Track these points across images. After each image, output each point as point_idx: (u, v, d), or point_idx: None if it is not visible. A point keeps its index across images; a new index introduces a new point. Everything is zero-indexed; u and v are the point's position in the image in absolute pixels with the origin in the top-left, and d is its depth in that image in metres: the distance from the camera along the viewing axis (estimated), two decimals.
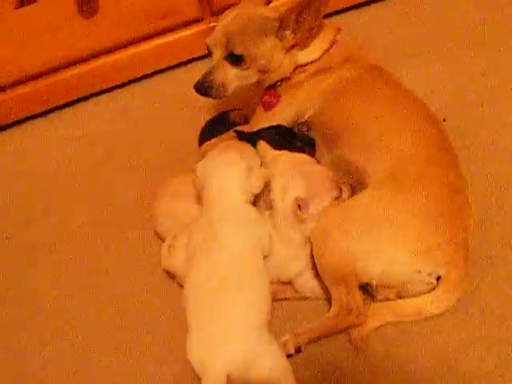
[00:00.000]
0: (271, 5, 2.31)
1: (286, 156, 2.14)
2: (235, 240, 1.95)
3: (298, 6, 2.09)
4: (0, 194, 2.77)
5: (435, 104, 2.22)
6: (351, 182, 2.05)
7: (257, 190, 2.04)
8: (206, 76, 2.22)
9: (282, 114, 2.27)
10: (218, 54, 2.21)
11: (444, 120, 2.34)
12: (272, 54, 2.19)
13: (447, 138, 2.04)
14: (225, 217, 1.99)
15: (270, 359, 1.79)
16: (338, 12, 2.99)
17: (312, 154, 2.20)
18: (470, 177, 2.04)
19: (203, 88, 2.23)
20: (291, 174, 2.03)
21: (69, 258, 2.40)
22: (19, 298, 2.33)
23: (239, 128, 2.34)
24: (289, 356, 1.88)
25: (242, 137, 2.25)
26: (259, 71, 2.23)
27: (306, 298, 2.06)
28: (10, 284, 2.39)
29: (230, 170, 2.05)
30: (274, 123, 2.25)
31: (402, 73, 2.32)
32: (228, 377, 1.72)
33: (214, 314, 1.84)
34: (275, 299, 2.02)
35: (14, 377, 2.11)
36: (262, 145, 2.20)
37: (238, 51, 2.17)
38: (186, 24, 2.88)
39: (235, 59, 2.19)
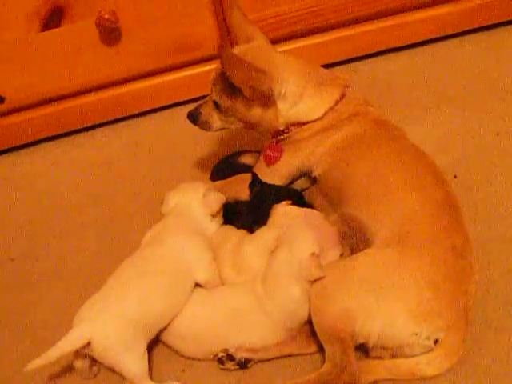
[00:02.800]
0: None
1: (297, 210, 2.15)
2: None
3: (217, 71, 2.20)
4: (9, 215, 2.78)
5: (446, 159, 2.23)
6: (355, 240, 2.04)
7: (212, 209, 2.23)
8: (197, 108, 2.34)
9: (283, 170, 2.27)
10: (212, 92, 2.26)
11: (455, 177, 2.34)
12: (244, 109, 2.20)
13: (454, 197, 2.03)
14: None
15: (124, 358, 1.92)
16: (355, 59, 3.01)
17: None
18: (475, 237, 2.02)
19: (192, 117, 2.36)
20: (301, 225, 2.04)
21: (73, 285, 2.39)
22: (15, 321, 2.33)
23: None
24: None
25: (255, 184, 2.27)
26: (241, 121, 2.25)
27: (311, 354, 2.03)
28: (10, 306, 2.38)
29: (189, 192, 2.28)
30: (276, 178, 2.26)
31: (413, 125, 2.31)
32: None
33: (117, 290, 2.01)
34: (282, 354, 2.02)
35: None
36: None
37: (215, 98, 2.23)
38: (206, 59, 2.89)
39: (216, 105, 2.25)
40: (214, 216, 2.25)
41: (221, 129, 2.35)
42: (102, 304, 1.96)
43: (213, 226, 2.26)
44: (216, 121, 2.31)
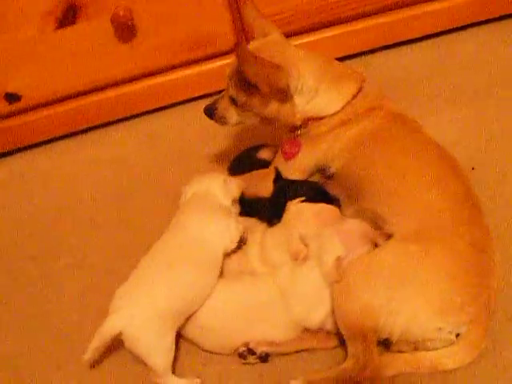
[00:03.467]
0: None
1: (311, 211, 2.14)
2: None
3: (233, 69, 2.19)
4: (27, 213, 2.79)
5: (463, 151, 2.21)
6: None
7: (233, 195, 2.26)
8: (214, 103, 2.34)
9: (301, 165, 2.26)
10: (227, 87, 2.26)
11: (473, 169, 2.33)
12: (262, 105, 2.20)
13: (473, 191, 2.03)
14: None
15: (153, 347, 1.96)
16: (368, 52, 3.01)
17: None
18: (494, 230, 2.01)
19: (208, 112, 2.36)
20: (327, 234, 2.03)
21: (94, 282, 2.41)
22: (37, 318, 2.34)
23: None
24: None
25: (279, 180, 2.26)
26: (257, 116, 2.26)
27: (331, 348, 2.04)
28: (31, 303, 2.40)
29: (209, 180, 2.30)
30: (294, 173, 2.26)
31: (429, 119, 2.29)
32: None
33: (146, 279, 2.03)
34: (302, 348, 2.03)
35: None
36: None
37: (232, 94, 2.23)
38: (222, 55, 2.89)
39: (233, 101, 2.25)
40: (234, 202, 2.28)
41: (237, 124, 2.35)
42: (133, 294, 2.00)
43: (234, 211, 2.28)
44: (232, 116, 2.31)
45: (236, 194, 2.26)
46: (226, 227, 2.15)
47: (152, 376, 1.99)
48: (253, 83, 2.11)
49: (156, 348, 1.96)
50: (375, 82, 2.31)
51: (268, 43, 2.23)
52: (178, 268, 2.04)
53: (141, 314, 1.95)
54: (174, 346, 1.99)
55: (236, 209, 2.30)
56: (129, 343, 1.96)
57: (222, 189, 2.25)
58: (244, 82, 2.14)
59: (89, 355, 1.95)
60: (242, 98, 2.21)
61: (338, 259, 1.93)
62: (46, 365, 2.18)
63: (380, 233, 2.03)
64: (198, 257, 2.08)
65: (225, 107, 2.30)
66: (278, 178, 2.28)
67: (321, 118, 2.20)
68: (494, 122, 2.65)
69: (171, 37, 2.84)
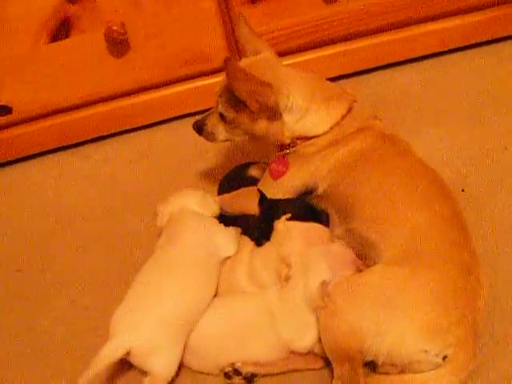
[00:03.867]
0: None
1: (298, 229, 2.13)
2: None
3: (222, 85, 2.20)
4: (16, 225, 2.78)
5: (453, 173, 2.22)
6: (363, 256, 2.03)
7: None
8: (203, 119, 2.35)
9: (288, 184, 2.24)
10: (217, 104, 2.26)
11: (463, 190, 2.34)
12: (249, 122, 2.19)
13: (461, 213, 2.02)
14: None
15: (163, 358, 1.95)
16: (362, 72, 3.02)
17: (325, 225, 2.19)
18: (482, 251, 2.02)
19: (197, 128, 2.37)
20: (313, 255, 2.02)
21: (80, 297, 2.39)
22: (21, 331, 2.33)
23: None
24: None
25: (264, 201, 2.25)
26: (246, 133, 2.25)
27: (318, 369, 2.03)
28: (16, 317, 2.38)
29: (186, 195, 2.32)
30: (280, 192, 2.24)
31: (421, 139, 2.30)
32: None
33: (150, 295, 2.01)
34: (289, 369, 2.02)
35: None
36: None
37: (221, 110, 2.23)
38: (215, 72, 2.89)
39: (222, 117, 2.25)
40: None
41: (225, 140, 2.35)
42: (139, 311, 1.98)
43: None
44: (221, 132, 2.31)
45: (215, 209, 2.27)
46: (225, 232, 2.18)
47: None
48: (242, 100, 2.10)
49: (166, 361, 1.96)
50: (367, 102, 2.33)
51: (259, 61, 2.23)
52: (179, 276, 2.05)
53: (151, 329, 1.94)
54: (179, 360, 1.99)
55: None
56: (137, 360, 1.96)
57: (201, 205, 2.27)
58: (233, 99, 2.14)
59: (88, 377, 1.88)
60: (230, 114, 2.20)
61: (324, 284, 1.92)
62: (31, 380, 2.16)
63: (363, 262, 2.03)
64: (196, 262, 2.09)
65: (214, 123, 2.30)
66: (263, 198, 2.27)
67: (309, 138, 2.19)
68: (484, 142, 2.66)
69: (164, 53, 2.83)
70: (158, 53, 2.83)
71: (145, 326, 1.94)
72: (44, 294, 2.45)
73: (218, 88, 2.25)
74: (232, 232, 2.23)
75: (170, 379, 1.97)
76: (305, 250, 2.06)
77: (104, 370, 1.93)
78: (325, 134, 2.18)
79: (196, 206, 2.25)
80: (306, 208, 2.22)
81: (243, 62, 2.23)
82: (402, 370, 1.86)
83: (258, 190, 2.31)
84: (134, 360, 1.96)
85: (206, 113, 2.35)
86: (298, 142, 2.21)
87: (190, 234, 2.16)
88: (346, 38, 2.93)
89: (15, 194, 2.96)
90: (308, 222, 2.17)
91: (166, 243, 2.18)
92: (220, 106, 2.23)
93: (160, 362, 1.95)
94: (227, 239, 2.20)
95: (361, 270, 1.99)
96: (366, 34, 2.93)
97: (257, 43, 2.29)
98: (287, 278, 2.04)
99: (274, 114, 2.15)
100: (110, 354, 1.90)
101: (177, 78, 2.92)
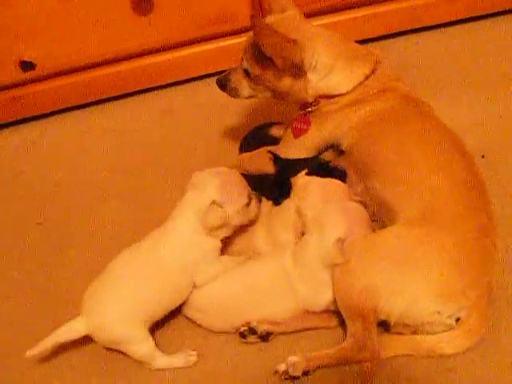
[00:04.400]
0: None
1: (316, 183, 2.14)
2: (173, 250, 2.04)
3: (249, 41, 2.19)
4: (37, 181, 2.80)
5: (475, 139, 2.21)
6: (380, 215, 2.04)
7: (205, 225, 2.02)
8: (227, 74, 2.35)
9: (309, 142, 2.25)
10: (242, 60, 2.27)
11: (483, 156, 2.33)
12: (274, 79, 2.20)
13: (480, 177, 2.02)
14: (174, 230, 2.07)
15: (134, 348, 1.98)
16: (388, 36, 3.00)
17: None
18: (500, 216, 2.02)
19: (221, 84, 2.37)
20: (329, 211, 2.02)
21: (100, 251, 2.40)
22: (44, 285, 2.35)
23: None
24: (295, 378, 1.89)
25: (277, 162, 2.26)
26: (270, 90, 2.25)
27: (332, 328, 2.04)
28: (35, 269, 2.41)
29: (202, 192, 2.05)
30: (302, 150, 2.25)
31: (443, 105, 2.27)
32: None
33: (115, 282, 2.01)
34: (303, 327, 2.04)
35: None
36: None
37: (245, 66, 2.23)
38: (239, 32, 2.88)
39: (246, 73, 2.25)
40: (213, 231, 2.05)
41: (249, 97, 2.36)
42: (101, 298, 1.99)
43: (210, 241, 2.06)
44: (245, 88, 2.31)
45: (211, 225, 2.02)
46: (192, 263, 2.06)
47: (143, 364, 2.02)
48: (268, 56, 2.10)
49: (128, 344, 1.98)
50: (391, 65, 2.31)
51: (285, 19, 2.22)
52: (147, 276, 2.02)
53: (109, 315, 1.97)
54: (149, 338, 1.99)
55: (217, 236, 2.09)
56: (101, 342, 2.01)
57: (199, 218, 2.03)
58: (259, 55, 2.14)
59: (35, 352, 1.95)
60: (255, 70, 2.20)
61: (340, 240, 1.93)
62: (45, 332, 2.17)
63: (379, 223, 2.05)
64: (167, 272, 2.03)
65: (238, 79, 2.30)
66: (277, 158, 2.28)
67: (332, 97, 2.19)
68: (505, 111, 2.65)
69: (189, 12, 2.84)
70: (182, 12, 2.83)
71: (103, 313, 1.97)
72: (63, 247, 2.48)
73: (244, 44, 2.25)
74: (215, 268, 2.07)
75: (146, 354, 1.99)
76: (322, 205, 2.06)
77: (54, 346, 2.01)
78: (348, 93, 2.18)
79: (194, 212, 2.06)
80: (321, 166, 2.23)
81: (269, 20, 2.22)
82: (415, 330, 1.89)
83: (270, 151, 2.32)
84: (99, 343, 2.02)
85: (230, 69, 2.35)
86: (321, 100, 2.21)
87: (167, 250, 2.05)
88: (372, 2, 2.91)
89: (38, 148, 3.00)
90: (326, 178, 2.17)
91: (153, 237, 2.11)
92: (245, 62, 2.23)
93: (126, 346, 1.99)
94: (206, 273, 2.06)
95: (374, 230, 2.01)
96: None
97: (283, 2, 2.27)
98: (302, 233, 2.05)
99: (298, 71, 2.15)
100: (64, 334, 1.97)
101: (201, 38, 2.93)
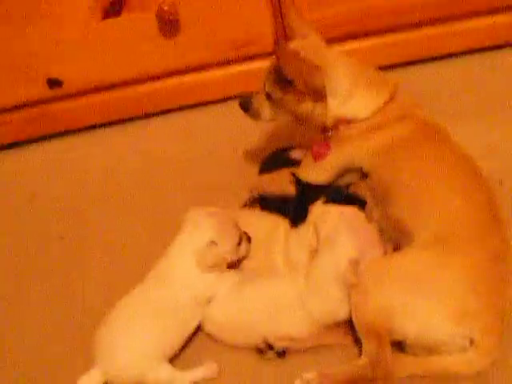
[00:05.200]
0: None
1: (335, 210, 2.17)
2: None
3: (270, 67, 2.23)
4: (61, 196, 2.88)
5: (492, 165, 2.22)
6: (397, 239, 2.07)
7: (202, 263, 2.09)
8: (249, 97, 2.39)
9: (329, 166, 2.29)
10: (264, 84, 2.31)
11: (501, 183, 2.35)
12: (295, 102, 2.24)
13: (497, 202, 2.03)
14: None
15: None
16: (405, 64, 3.04)
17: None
18: None
19: (243, 106, 2.41)
20: (340, 228, 2.06)
21: (119, 266, 2.47)
22: (61, 297, 2.40)
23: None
24: None
25: (299, 184, 2.30)
26: (290, 113, 2.29)
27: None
28: (55, 283, 2.47)
29: (198, 232, 2.13)
30: (322, 174, 2.30)
31: (461, 131, 2.29)
32: None
33: (131, 324, 2.03)
34: (319, 344, 2.07)
35: None
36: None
37: (268, 90, 2.28)
38: (262, 56, 2.93)
39: (268, 96, 2.30)
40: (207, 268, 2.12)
41: (270, 120, 2.39)
42: (114, 343, 2.00)
43: (208, 277, 2.13)
44: (266, 111, 2.35)
45: (205, 264, 2.10)
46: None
47: None
48: (290, 80, 2.15)
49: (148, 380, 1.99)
50: (410, 93, 2.35)
51: (307, 44, 2.26)
52: (158, 317, 2.05)
53: (122, 363, 1.98)
54: (167, 366, 2.02)
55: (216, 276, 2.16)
56: None
57: (195, 255, 2.10)
58: (281, 79, 2.19)
59: None
60: (277, 94, 2.25)
61: (353, 262, 1.96)
62: (62, 347, 2.24)
63: (387, 242, 2.09)
64: (176, 310, 2.08)
65: (260, 102, 2.34)
66: (298, 181, 2.32)
67: (351, 122, 2.23)
68: None
69: (214, 35, 2.89)
70: (206, 35, 2.89)
71: (120, 360, 1.98)
72: (84, 261, 2.53)
73: (266, 68, 2.30)
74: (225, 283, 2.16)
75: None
76: (329, 228, 2.09)
77: None
78: (367, 118, 2.22)
79: (191, 251, 2.12)
80: (342, 193, 2.26)
81: (292, 44, 2.26)
82: (430, 351, 1.90)
83: (292, 173, 2.36)
84: None
85: (253, 92, 2.39)
86: (340, 125, 2.25)
87: (177, 281, 2.11)
88: (392, 30, 2.95)
89: (62, 165, 3.06)
90: (343, 205, 2.19)
91: (156, 274, 2.17)
92: (267, 85, 2.28)
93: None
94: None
95: (386, 252, 2.05)
96: (410, 27, 2.95)
97: (305, 29, 2.32)
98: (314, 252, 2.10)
99: (319, 95, 2.18)
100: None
101: (224, 61, 2.98)
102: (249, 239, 2.21)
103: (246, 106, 2.40)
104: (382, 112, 2.22)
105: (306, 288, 2.06)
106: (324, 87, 2.17)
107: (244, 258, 2.22)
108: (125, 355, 1.98)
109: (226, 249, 2.12)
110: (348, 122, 2.24)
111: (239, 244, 2.17)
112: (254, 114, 2.40)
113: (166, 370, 2.00)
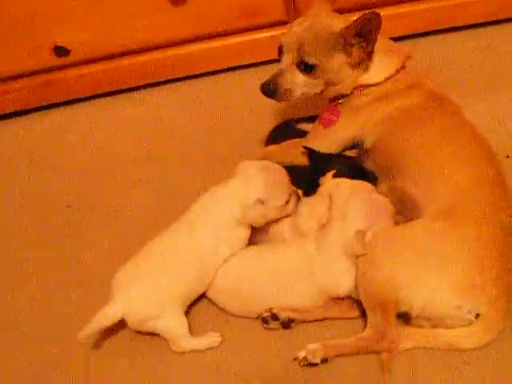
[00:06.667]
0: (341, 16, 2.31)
1: (346, 183, 2.17)
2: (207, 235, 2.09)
3: (355, 25, 2.14)
4: (67, 164, 2.87)
5: (500, 139, 2.22)
6: (405, 212, 2.07)
7: (245, 219, 2.08)
8: (274, 78, 2.26)
9: (339, 134, 2.30)
10: (289, 57, 2.24)
11: (507, 157, 2.34)
12: (340, 69, 2.22)
13: (504, 176, 2.04)
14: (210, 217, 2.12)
15: (164, 324, 2.01)
16: (417, 35, 3.02)
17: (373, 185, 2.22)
18: None
19: (269, 90, 2.27)
20: (353, 202, 2.05)
21: (123, 235, 2.46)
22: (67, 265, 2.41)
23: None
24: (313, 364, 1.92)
25: (312, 156, 2.29)
26: (325, 83, 2.26)
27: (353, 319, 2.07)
28: (62, 250, 2.47)
29: (248, 186, 2.09)
30: (329, 141, 2.30)
31: (469, 104, 2.29)
32: None
33: (153, 264, 2.05)
34: (324, 317, 2.06)
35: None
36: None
37: (311, 61, 2.20)
38: (271, 25, 2.93)
39: (306, 68, 2.22)
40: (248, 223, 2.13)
41: (300, 96, 2.30)
42: (134, 281, 2.02)
43: (243, 230, 2.13)
44: (299, 87, 2.26)
45: (250, 219, 2.09)
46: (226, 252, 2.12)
47: (170, 345, 2.05)
48: (353, 49, 2.17)
49: (161, 326, 2.01)
50: (420, 63, 2.35)
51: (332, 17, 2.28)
52: (180, 259, 2.06)
53: (143, 299, 1.99)
54: (182, 318, 2.03)
55: (246, 229, 2.14)
56: (134, 326, 2.04)
57: (240, 209, 2.08)
58: (325, 47, 2.17)
59: (85, 336, 1.98)
60: (320, 60, 2.19)
61: (360, 232, 1.96)
62: (70, 311, 2.25)
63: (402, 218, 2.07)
64: (201, 254, 2.07)
65: (291, 80, 2.25)
66: (312, 152, 2.31)
67: (366, 87, 2.26)
68: None
69: (222, 4, 2.88)
70: (216, 3, 2.88)
71: (137, 296, 1.99)
72: (90, 230, 2.53)
73: (294, 40, 2.22)
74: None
75: (179, 336, 2.03)
76: (345, 198, 2.09)
77: (103, 328, 2.02)
78: (379, 84, 2.24)
79: (239, 205, 2.09)
80: (355, 167, 2.26)
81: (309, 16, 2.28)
82: (435, 324, 1.91)
83: (304, 146, 2.34)
84: (131, 327, 2.04)
85: (275, 72, 2.28)
86: (356, 91, 2.26)
87: (201, 234, 2.09)
88: (402, 1, 2.94)
89: (66, 134, 3.05)
90: (354, 180, 2.19)
91: (189, 215, 2.16)
92: (305, 55, 2.19)
93: (159, 328, 2.02)
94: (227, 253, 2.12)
95: (398, 223, 2.04)
96: None
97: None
98: (323, 225, 2.10)
99: (361, 62, 2.22)
100: (103, 319, 1.98)
101: (232, 30, 2.96)
102: (298, 197, 2.19)
103: (274, 88, 2.27)
104: (394, 79, 2.24)
105: (316, 256, 2.05)
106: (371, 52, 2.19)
107: (287, 216, 2.19)
108: (141, 287, 2.00)
109: (273, 206, 2.10)
110: (362, 87, 2.26)
111: (287, 202, 2.13)
112: (283, 95, 2.28)
113: (181, 321, 2.02)
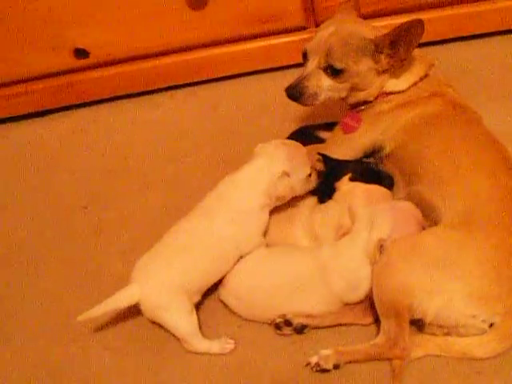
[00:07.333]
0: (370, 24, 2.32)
1: (361, 188, 2.17)
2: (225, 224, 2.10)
3: (393, 34, 2.13)
4: (85, 165, 2.89)
5: None
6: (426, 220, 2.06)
7: (274, 195, 2.11)
8: (300, 81, 2.26)
9: (359, 140, 2.30)
10: (314, 62, 2.24)
11: None
12: (367, 75, 2.22)
13: None
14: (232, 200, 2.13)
15: (172, 318, 2.02)
16: (438, 42, 3.00)
17: (389, 189, 2.23)
18: None
19: (295, 93, 2.27)
20: (379, 211, 2.05)
21: (139, 235, 2.47)
22: (83, 264, 2.44)
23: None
24: (325, 370, 1.92)
25: (327, 163, 2.28)
26: (350, 88, 2.26)
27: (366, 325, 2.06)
28: (77, 251, 2.50)
29: (271, 162, 2.13)
30: (349, 148, 2.30)
31: (488, 113, 2.29)
32: None
33: (167, 254, 2.07)
34: (337, 323, 2.06)
35: None
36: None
37: (339, 65, 2.20)
38: (290, 31, 2.93)
39: (333, 72, 2.22)
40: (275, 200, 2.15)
41: (325, 100, 2.30)
42: (153, 266, 2.05)
43: (263, 215, 2.16)
44: (324, 91, 2.26)
45: (280, 193, 2.12)
46: (247, 240, 2.14)
47: (182, 343, 2.06)
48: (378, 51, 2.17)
49: (174, 317, 2.02)
50: (442, 71, 2.35)
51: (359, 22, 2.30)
52: (198, 249, 2.08)
53: (159, 286, 2.01)
54: (193, 315, 2.04)
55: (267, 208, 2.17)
56: (147, 313, 2.04)
57: (270, 183, 2.11)
58: (354, 52, 2.18)
59: (89, 315, 2.01)
60: (348, 64, 2.19)
61: (381, 241, 1.96)
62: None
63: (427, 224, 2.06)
64: (218, 245, 2.09)
65: (316, 84, 2.25)
66: (327, 158, 2.30)
67: (388, 94, 2.26)
68: None
69: (241, 9, 2.88)
70: (234, 8, 2.88)
71: (154, 283, 2.01)
72: (106, 230, 2.56)
73: (321, 44, 2.23)
74: (255, 242, 2.15)
75: (188, 332, 2.03)
76: (372, 206, 2.08)
77: (104, 313, 2.07)
78: (401, 92, 2.25)
79: (267, 178, 2.12)
80: (371, 171, 2.26)
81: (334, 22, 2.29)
82: (448, 332, 1.90)
83: (319, 153, 2.33)
84: (145, 314, 2.05)
85: (300, 76, 2.28)
86: (380, 97, 2.27)
87: (220, 223, 2.11)
88: (428, 7, 2.93)
89: (86, 135, 3.07)
90: (370, 184, 2.19)
91: (208, 202, 2.19)
92: (333, 60, 2.19)
93: (171, 318, 2.02)
94: (248, 245, 2.14)
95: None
96: (440, 6, 2.93)
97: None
98: (344, 234, 2.09)
99: (388, 69, 2.22)
100: (117, 301, 2.02)
101: (251, 34, 2.96)
102: (319, 173, 2.21)
103: (300, 91, 2.26)
104: (417, 87, 2.25)
105: (331, 262, 2.05)
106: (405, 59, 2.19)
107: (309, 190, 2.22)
108: (163, 273, 2.02)
109: (298, 179, 2.13)
110: (385, 94, 2.27)
111: (310, 176, 2.17)
112: (309, 99, 2.28)
113: (192, 319, 2.03)
